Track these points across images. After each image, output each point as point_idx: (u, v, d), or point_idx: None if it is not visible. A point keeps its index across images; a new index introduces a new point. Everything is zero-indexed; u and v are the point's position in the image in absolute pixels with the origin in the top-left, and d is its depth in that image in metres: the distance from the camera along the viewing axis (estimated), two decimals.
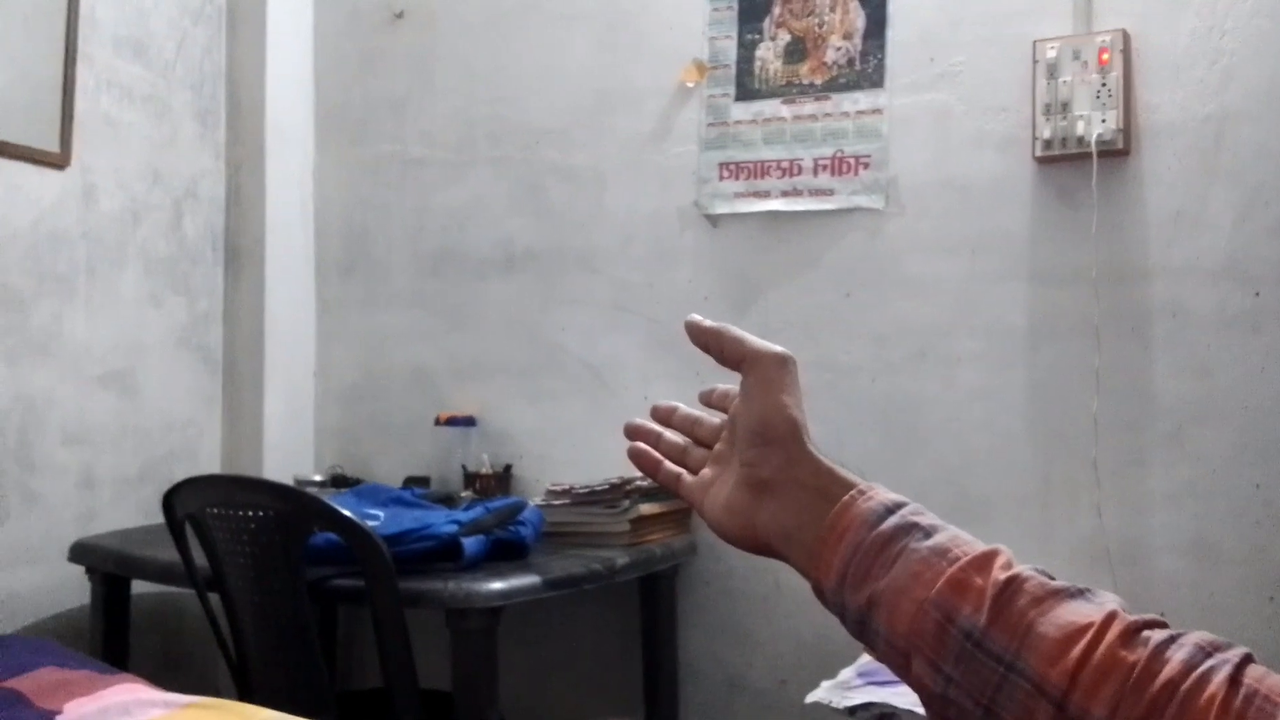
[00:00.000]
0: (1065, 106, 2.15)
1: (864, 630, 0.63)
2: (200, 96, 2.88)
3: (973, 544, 0.62)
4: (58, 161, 2.52)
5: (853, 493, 0.65)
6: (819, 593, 0.65)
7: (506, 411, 2.75)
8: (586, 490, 2.30)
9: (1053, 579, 0.60)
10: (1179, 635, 0.56)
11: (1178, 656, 0.54)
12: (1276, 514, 2.04)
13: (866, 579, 0.62)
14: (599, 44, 2.68)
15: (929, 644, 0.59)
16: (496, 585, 1.94)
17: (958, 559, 0.60)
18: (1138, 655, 0.54)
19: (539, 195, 2.74)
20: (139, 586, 2.41)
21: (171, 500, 2.06)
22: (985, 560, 0.60)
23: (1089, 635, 0.55)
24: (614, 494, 2.27)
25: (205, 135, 2.89)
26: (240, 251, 2.92)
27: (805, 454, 0.66)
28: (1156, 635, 0.56)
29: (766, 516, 0.67)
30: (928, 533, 0.62)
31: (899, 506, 0.64)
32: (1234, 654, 0.54)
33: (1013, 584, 0.58)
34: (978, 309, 2.28)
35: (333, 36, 3.02)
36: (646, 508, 2.31)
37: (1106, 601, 0.58)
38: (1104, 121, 2.12)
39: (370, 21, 2.97)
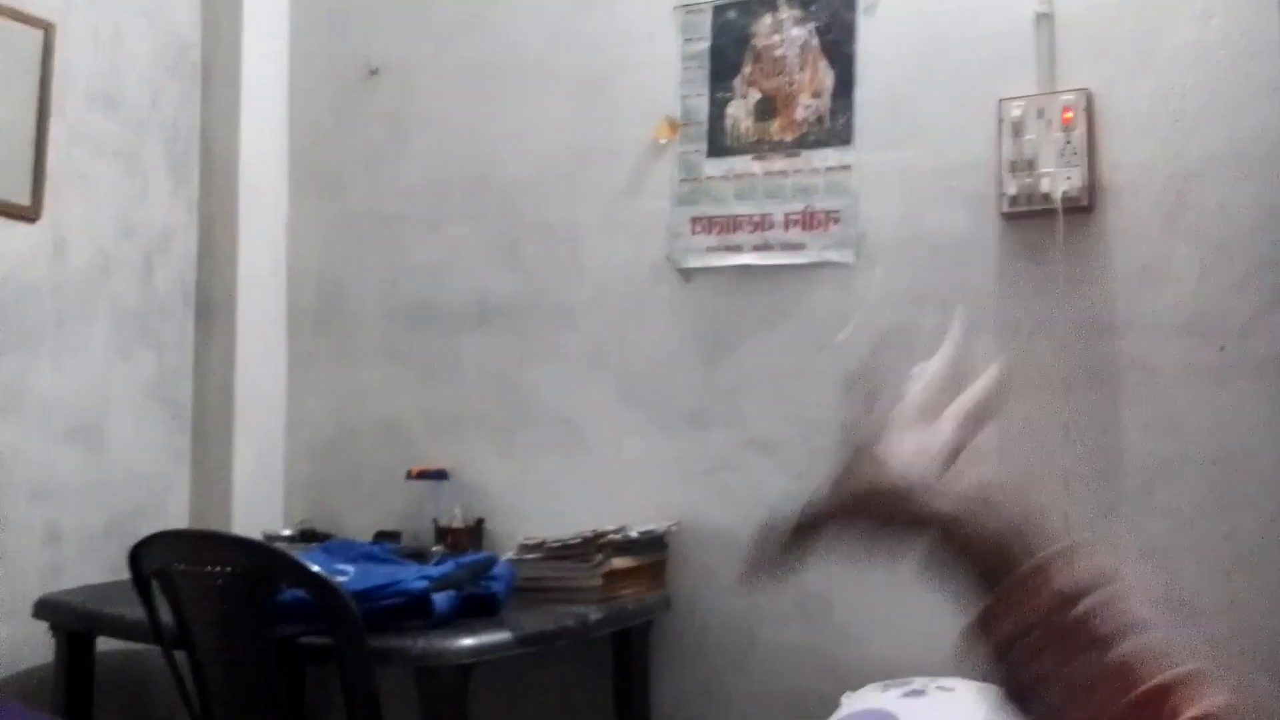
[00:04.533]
0: (1030, 164, 2.19)
1: None
2: (173, 151, 2.88)
3: None
4: (28, 214, 2.52)
5: None
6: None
7: (479, 465, 2.74)
8: (559, 544, 2.28)
9: None
10: None
11: None
12: (1246, 567, 2.05)
13: None
14: (574, 101, 2.71)
15: None
16: (467, 642, 1.92)
17: None
18: None
19: (514, 250, 2.75)
20: (104, 644, 2.37)
21: (138, 556, 2.03)
22: None
23: None
24: (586, 548, 2.26)
25: (177, 189, 2.89)
26: (211, 305, 2.91)
27: None
28: None
29: None
30: None
31: None
32: None
33: None
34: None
35: (308, 92, 3.04)
36: (619, 562, 2.30)
37: None
38: (1068, 179, 2.15)
39: (346, 78, 2.99)
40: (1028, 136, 2.19)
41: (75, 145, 2.63)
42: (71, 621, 2.30)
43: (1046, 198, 2.17)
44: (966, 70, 2.31)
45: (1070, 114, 2.17)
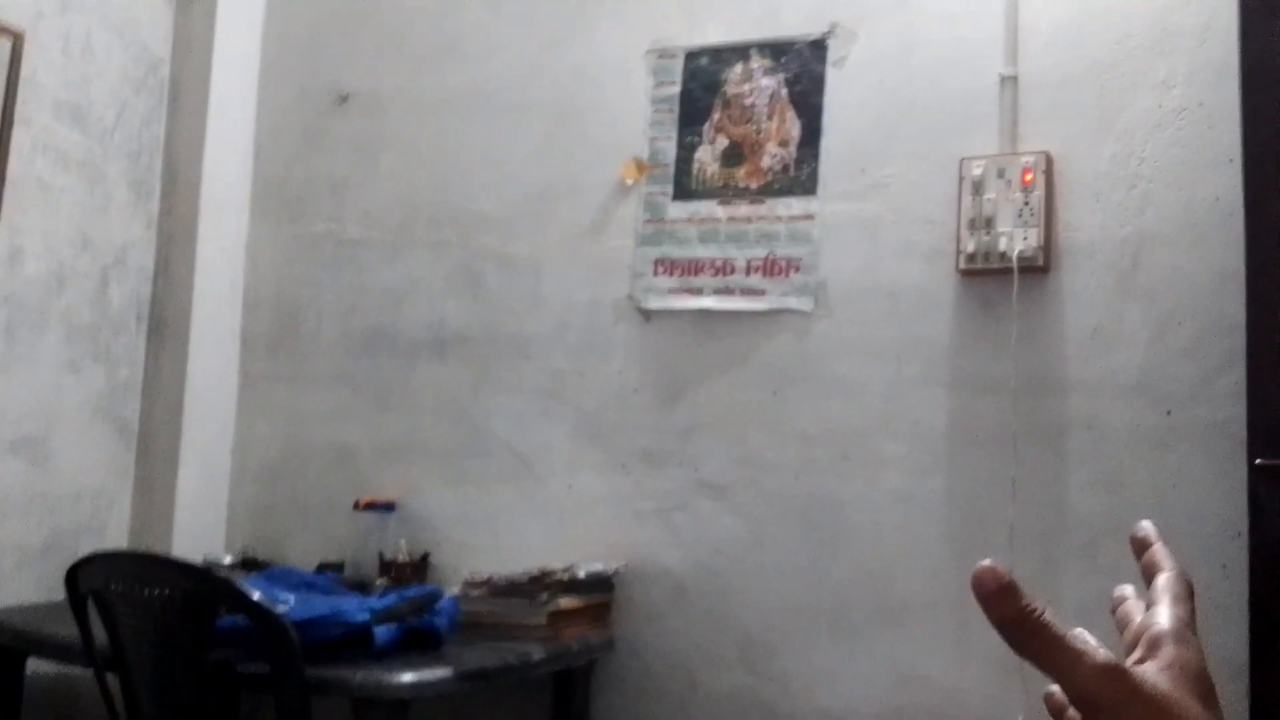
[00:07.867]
0: (989, 222, 2.22)
1: None
2: (136, 166, 2.86)
3: None
4: None
5: None
6: None
7: (428, 496, 2.72)
8: (505, 581, 2.27)
9: None
10: None
11: None
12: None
13: None
14: (543, 137, 2.72)
15: None
16: (407, 676, 1.90)
17: None
18: None
19: (475, 281, 2.75)
20: (35, 664, 2.31)
21: (75, 575, 1.99)
22: None
23: None
24: (532, 586, 2.25)
25: (138, 204, 2.87)
26: (165, 322, 2.87)
27: None
28: None
29: None
30: None
31: None
32: None
33: None
34: (901, 413, 2.32)
35: (276, 115, 3.03)
36: (565, 601, 2.28)
37: None
38: (1025, 239, 2.19)
39: (315, 103, 2.99)
40: (987, 195, 2.22)
41: (38, 155, 2.60)
42: (2, 640, 2.25)
43: (1003, 256, 2.20)
44: (931, 127, 2.35)
45: (1030, 175, 2.20)
